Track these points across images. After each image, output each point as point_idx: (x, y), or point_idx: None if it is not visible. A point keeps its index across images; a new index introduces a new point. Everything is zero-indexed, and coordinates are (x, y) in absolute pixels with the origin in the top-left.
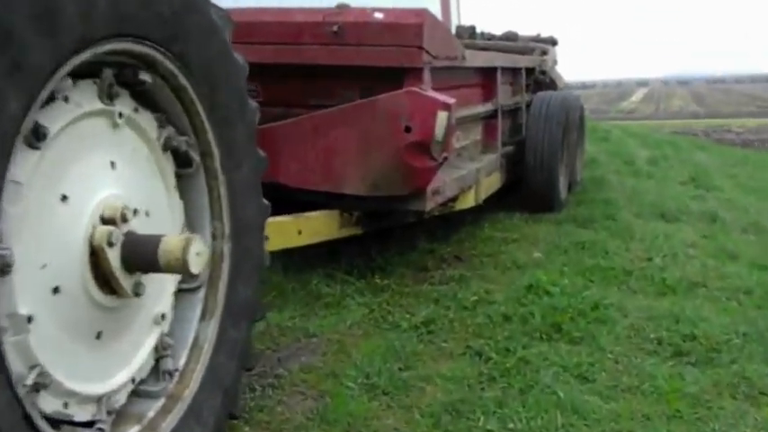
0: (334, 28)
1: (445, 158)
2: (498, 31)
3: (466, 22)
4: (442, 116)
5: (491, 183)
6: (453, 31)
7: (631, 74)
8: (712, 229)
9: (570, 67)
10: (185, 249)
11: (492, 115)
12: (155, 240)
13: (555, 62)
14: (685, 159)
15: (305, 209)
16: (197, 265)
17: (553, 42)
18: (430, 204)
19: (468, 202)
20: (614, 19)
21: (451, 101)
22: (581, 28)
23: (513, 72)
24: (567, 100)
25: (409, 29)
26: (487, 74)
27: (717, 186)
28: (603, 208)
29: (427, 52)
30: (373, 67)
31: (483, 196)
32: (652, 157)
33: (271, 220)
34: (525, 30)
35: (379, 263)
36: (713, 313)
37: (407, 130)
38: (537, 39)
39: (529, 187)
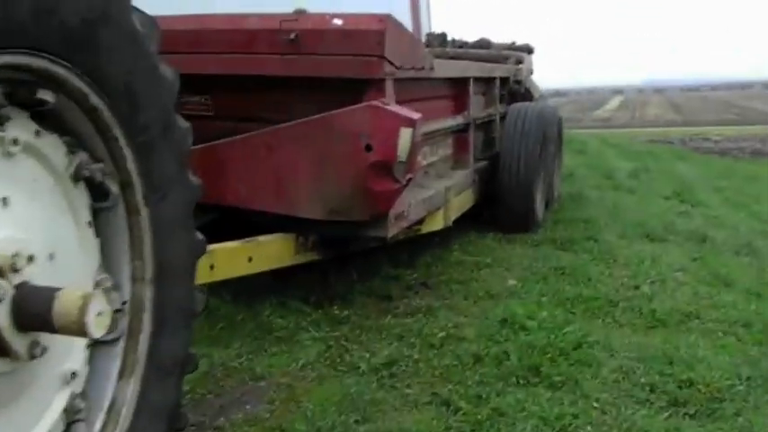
0: (291, 36)
1: (410, 180)
2: (471, 39)
3: (438, 29)
4: (405, 133)
5: (462, 202)
6: (423, 38)
7: (605, 81)
8: (702, 250)
9: (542, 75)
10: (83, 309)
11: (463, 129)
12: (48, 296)
13: (531, 71)
14: (667, 171)
15: (258, 232)
16: (98, 327)
17: (529, 50)
18: (392, 230)
19: (437, 224)
20: (587, 26)
21: (416, 116)
22: (553, 34)
23: (487, 82)
24: (544, 112)
25: (370, 36)
26: (459, 85)
27: (703, 201)
28: (584, 228)
29: (389, 62)
30: (332, 79)
31: (453, 217)
32: (633, 170)
33: (218, 246)
34: (499, 37)
35: (338, 290)
36: (710, 352)
37: (368, 148)
38: (512, 47)
39: (503, 206)
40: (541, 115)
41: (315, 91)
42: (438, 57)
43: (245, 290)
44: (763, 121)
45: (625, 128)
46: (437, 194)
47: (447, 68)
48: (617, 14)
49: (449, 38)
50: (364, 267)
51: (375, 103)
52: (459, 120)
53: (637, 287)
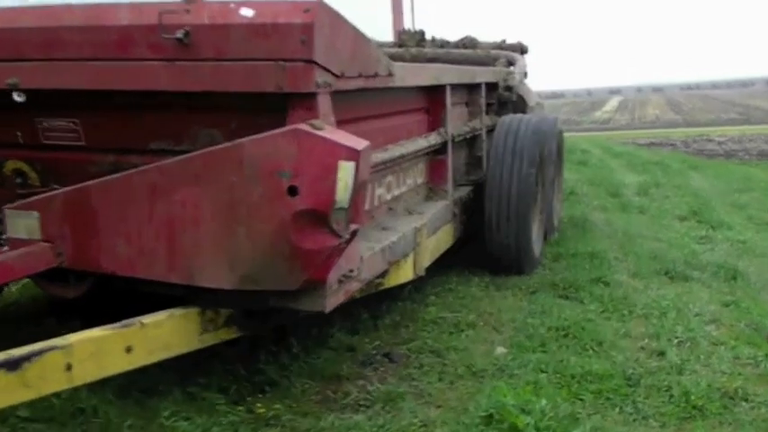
0: (178, 34)
1: (355, 232)
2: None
3: (425, 29)
4: (345, 169)
5: (439, 243)
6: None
7: (602, 82)
8: (734, 290)
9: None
10: None
11: (439, 149)
12: None
13: (524, 74)
14: (680, 185)
15: (152, 308)
16: None
17: (522, 50)
18: (334, 300)
19: (404, 275)
20: (582, 26)
21: (362, 144)
22: (548, 34)
23: (470, 90)
24: (541, 126)
25: (291, 32)
26: (432, 94)
27: (725, 223)
28: (590, 265)
29: (323, 68)
30: (242, 95)
31: (426, 264)
32: (641, 185)
33: (80, 336)
34: (491, 38)
35: (268, 373)
36: None
37: (292, 191)
38: (502, 46)
39: (491, 243)
40: (538, 129)
41: (220, 112)
42: (415, 58)
43: (137, 380)
44: (766, 120)
45: (625, 130)
46: (404, 239)
47: (413, 74)
48: (612, 13)
49: (428, 36)
50: (309, 333)
51: (301, 127)
52: (432, 139)
53: (662, 353)
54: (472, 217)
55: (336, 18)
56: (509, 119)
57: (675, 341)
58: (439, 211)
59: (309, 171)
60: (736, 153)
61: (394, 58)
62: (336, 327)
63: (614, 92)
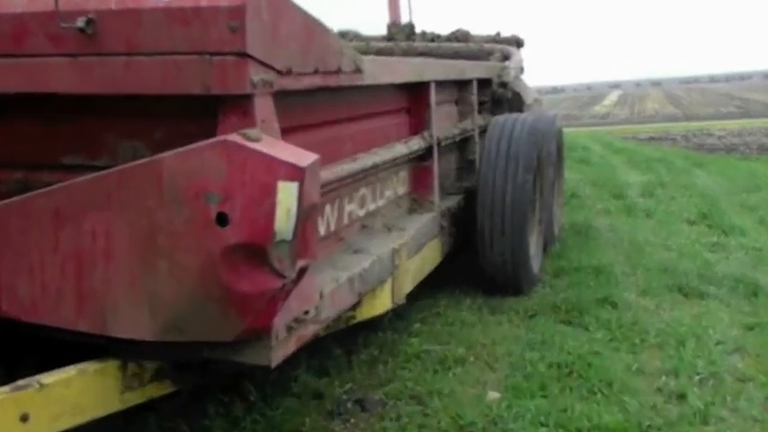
0: (80, 22)
1: (303, 270)
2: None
3: (421, 24)
4: (286, 191)
5: (424, 262)
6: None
7: (601, 77)
8: (756, 309)
9: (537, 72)
10: None
11: (423, 155)
12: None
13: (520, 69)
14: (686, 185)
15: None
16: None
17: (518, 43)
18: (281, 352)
19: (381, 304)
20: (581, 20)
21: (308, 159)
22: (546, 29)
23: (459, 87)
24: (539, 126)
25: (217, 18)
26: (414, 92)
27: (736, 227)
28: (595, 283)
29: (261, 63)
30: (164, 98)
31: (408, 289)
32: (645, 185)
33: None
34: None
35: (215, 431)
36: None
37: (221, 220)
38: (496, 39)
39: (485, 261)
40: (534, 130)
41: (140, 119)
42: (405, 53)
43: None
44: (765, 113)
45: (625, 124)
46: (379, 263)
47: (389, 70)
48: (610, 8)
49: (419, 30)
50: (268, 375)
51: (230, 138)
52: (415, 144)
53: (682, 396)
54: (464, 228)
55: (280, 1)
56: (502, 119)
57: (697, 378)
58: (424, 225)
59: (242, 194)
60: (737, 147)
61: (383, 52)
62: (303, 367)
63: (614, 86)
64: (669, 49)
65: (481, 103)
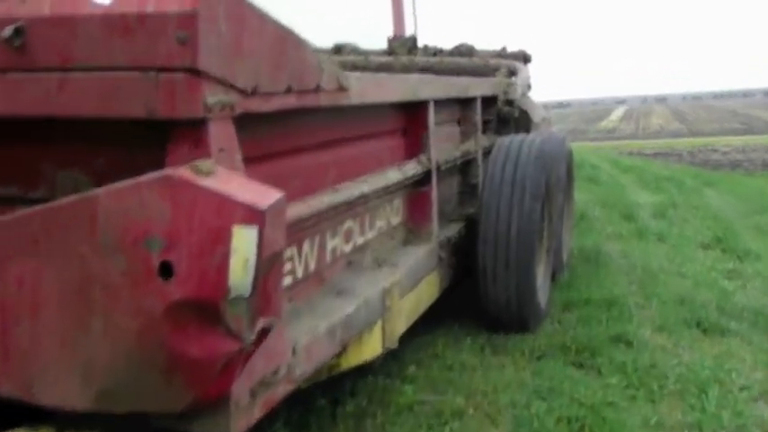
0: (6, 32)
1: (267, 330)
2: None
3: (425, 40)
4: (243, 237)
5: (419, 299)
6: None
7: (607, 92)
8: None
9: (544, 87)
10: None
11: (421, 180)
12: None
13: (527, 86)
14: (697, 206)
15: None
16: None
17: (525, 59)
18: (244, 421)
19: (369, 350)
20: (586, 35)
21: (270, 198)
22: (552, 44)
23: (461, 105)
24: (547, 148)
25: (164, 27)
26: (410, 112)
27: (752, 252)
28: (607, 317)
29: (218, 81)
30: (107, 122)
31: (401, 331)
32: (657, 206)
33: None
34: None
35: None
36: None
37: (165, 271)
38: (502, 54)
39: (487, 298)
40: (542, 153)
41: (80, 146)
42: (405, 68)
43: None
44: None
45: (631, 139)
46: (366, 306)
47: (379, 88)
48: (616, 24)
49: (421, 44)
50: None
51: (177, 173)
52: (410, 169)
53: None
54: (465, 258)
55: (242, 6)
56: (507, 141)
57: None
58: (420, 258)
59: (189, 240)
60: (741, 163)
61: (382, 67)
62: (281, 420)
63: (619, 102)
64: (674, 65)
65: (486, 123)
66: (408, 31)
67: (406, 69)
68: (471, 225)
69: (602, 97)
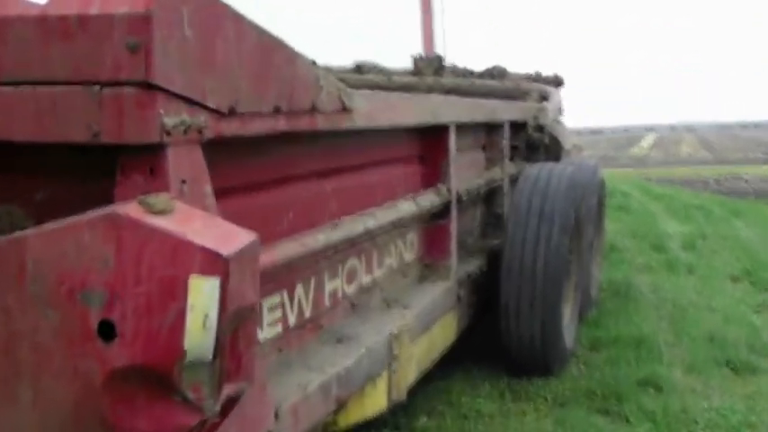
0: None
1: (235, 400)
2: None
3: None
4: (202, 291)
5: (433, 343)
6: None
7: (638, 120)
8: None
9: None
10: None
11: (439, 212)
12: None
13: (559, 111)
14: (726, 236)
15: None
16: None
17: (557, 83)
18: None
19: (373, 405)
20: (618, 63)
21: (240, 241)
22: (584, 69)
23: (488, 130)
24: (578, 178)
25: (111, 31)
26: (429, 137)
27: None
28: (636, 358)
29: (181, 99)
30: (46, 146)
31: (411, 381)
32: (686, 236)
33: None
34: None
35: None
36: None
37: (105, 331)
38: (534, 77)
39: (509, 337)
40: (573, 183)
41: (15, 174)
42: (431, 89)
43: None
44: None
45: (660, 166)
46: (369, 356)
47: (391, 110)
48: (645, 52)
49: (447, 64)
50: None
51: (124, 210)
52: (426, 200)
53: None
54: (486, 295)
55: (214, 6)
56: (536, 169)
57: None
58: (436, 298)
59: (136, 294)
60: (766, 192)
61: (406, 88)
62: None
63: (649, 129)
64: (702, 95)
65: (514, 149)
66: (439, 51)
67: (431, 91)
68: (494, 258)
69: (632, 125)
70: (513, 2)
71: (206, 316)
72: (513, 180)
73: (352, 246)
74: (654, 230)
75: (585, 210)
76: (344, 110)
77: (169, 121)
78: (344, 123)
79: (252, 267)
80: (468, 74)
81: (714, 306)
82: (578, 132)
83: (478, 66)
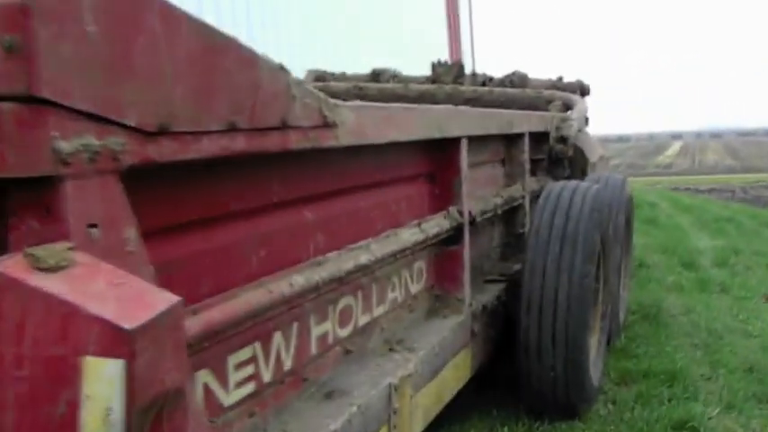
0: None
1: None
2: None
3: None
4: (100, 376)
5: (443, 387)
6: (468, 65)
7: (663, 126)
8: None
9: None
10: None
11: (450, 237)
12: None
13: (585, 121)
14: (758, 251)
15: None
16: None
17: (582, 91)
18: None
19: None
20: (643, 69)
21: (157, 306)
22: (608, 75)
23: (507, 142)
24: (605, 197)
25: None
26: (438, 152)
27: None
28: (669, 395)
29: (86, 116)
30: None
31: None
32: (718, 252)
33: None
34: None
35: None
36: None
37: None
38: (557, 85)
39: (529, 375)
40: (599, 203)
41: None
42: (450, 98)
43: None
44: None
45: (687, 175)
46: (361, 414)
47: (388, 123)
48: (671, 59)
49: (471, 71)
50: None
51: (4, 266)
52: (434, 225)
53: None
54: (504, 328)
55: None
56: (557, 189)
57: None
58: (447, 335)
59: (15, 381)
60: None
61: (424, 97)
62: None
63: (675, 136)
64: (727, 101)
65: (536, 162)
66: (466, 58)
67: (450, 99)
68: (514, 285)
69: (658, 132)
70: (533, 5)
71: (108, 409)
72: (536, 196)
73: (345, 283)
74: (684, 245)
75: (612, 231)
76: (327, 125)
77: (66, 145)
78: (327, 141)
79: (173, 340)
80: (488, 81)
81: (750, 331)
82: (605, 139)
83: (502, 71)
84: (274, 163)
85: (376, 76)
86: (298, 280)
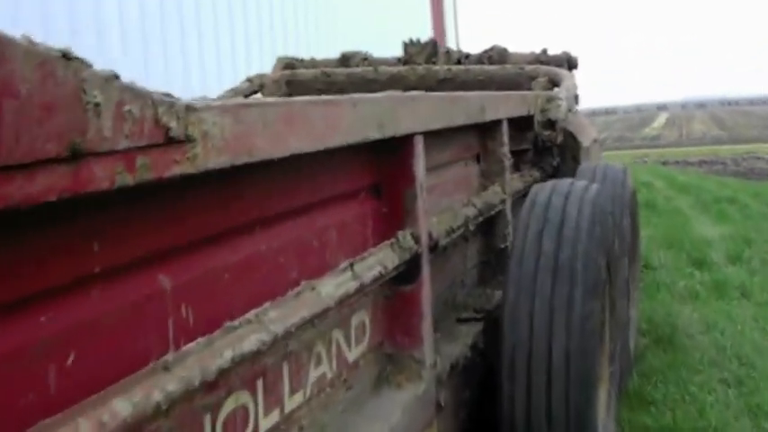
0: None
1: None
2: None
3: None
4: None
5: None
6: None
7: (649, 98)
8: None
9: (589, 91)
10: None
11: (404, 272)
12: None
13: (575, 99)
14: None
15: None
16: None
17: (570, 64)
18: None
19: None
20: (628, 39)
21: None
22: (595, 47)
23: (480, 133)
24: (605, 202)
25: None
26: (384, 155)
27: None
28: None
29: None
30: None
31: None
32: (728, 242)
33: None
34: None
35: None
36: None
37: None
38: (541, 59)
39: None
40: (599, 213)
41: None
42: (422, 80)
43: None
44: None
45: (675, 146)
46: None
47: (292, 126)
48: (654, 28)
49: (442, 48)
50: None
51: None
52: (378, 261)
53: None
54: (492, 383)
55: None
56: (544, 197)
57: None
58: (400, 419)
59: None
60: None
61: (394, 80)
62: None
63: (661, 108)
64: (711, 70)
65: (518, 154)
66: (450, 38)
67: (422, 81)
68: (495, 325)
69: (644, 103)
70: None
71: None
72: (522, 196)
73: (228, 378)
74: (689, 235)
75: (619, 243)
76: (171, 141)
77: None
78: (172, 167)
79: None
80: (464, 58)
81: None
82: (593, 113)
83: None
84: (93, 213)
85: (346, 60)
86: (120, 408)
